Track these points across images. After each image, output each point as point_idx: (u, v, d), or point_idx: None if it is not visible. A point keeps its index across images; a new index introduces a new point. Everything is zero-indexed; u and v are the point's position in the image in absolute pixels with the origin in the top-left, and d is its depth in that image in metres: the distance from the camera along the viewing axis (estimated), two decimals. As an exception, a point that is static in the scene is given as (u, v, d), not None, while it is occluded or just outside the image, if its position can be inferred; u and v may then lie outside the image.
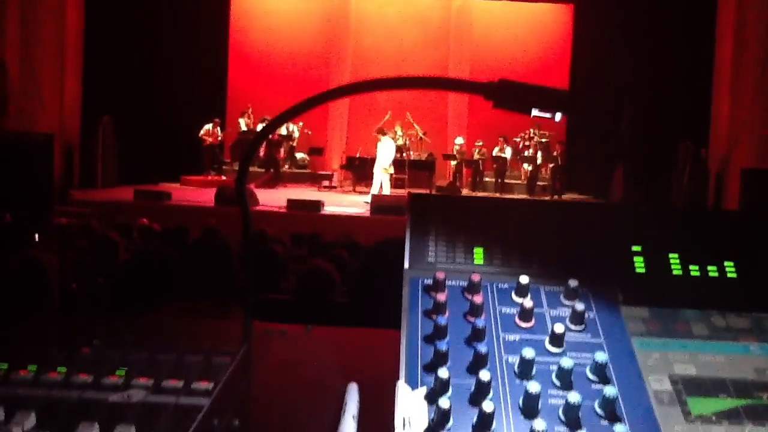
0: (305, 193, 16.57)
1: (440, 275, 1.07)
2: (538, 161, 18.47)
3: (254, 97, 18.95)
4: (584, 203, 1.09)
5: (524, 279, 1.08)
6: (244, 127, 18.45)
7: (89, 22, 16.47)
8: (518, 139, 19.03)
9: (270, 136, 18.00)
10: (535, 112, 0.89)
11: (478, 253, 1.15)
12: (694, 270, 1.14)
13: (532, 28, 20.62)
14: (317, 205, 13.60)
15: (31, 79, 14.03)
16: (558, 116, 0.89)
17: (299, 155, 19.70)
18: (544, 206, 1.25)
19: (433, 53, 20.48)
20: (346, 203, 15.21)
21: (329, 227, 10.65)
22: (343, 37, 20.77)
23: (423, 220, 1.18)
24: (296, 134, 19.41)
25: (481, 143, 18.89)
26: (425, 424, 0.89)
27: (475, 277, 1.07)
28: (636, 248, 1.15)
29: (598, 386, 0.95)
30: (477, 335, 1.00)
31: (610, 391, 0.90)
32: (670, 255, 1.15)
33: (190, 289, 4.06)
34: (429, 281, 1.09)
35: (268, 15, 20.81)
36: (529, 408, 0.91)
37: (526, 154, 18.82)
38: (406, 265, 1.13)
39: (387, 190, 15.49)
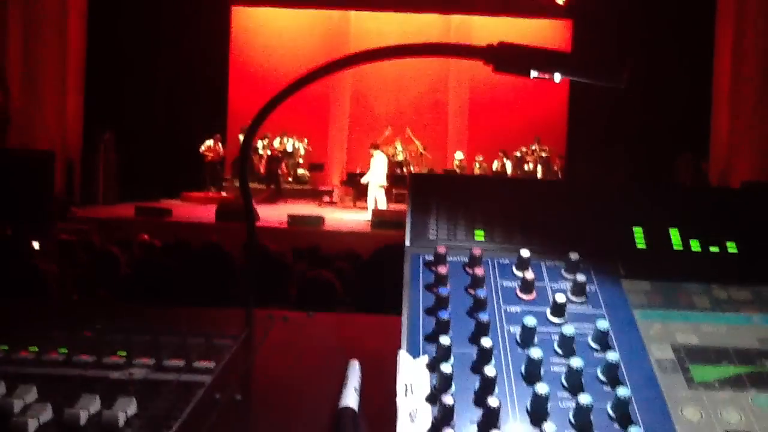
0: (306, 208, 16.58)
1: (441, 249, 1.08)
2: (538, 175, 18.50)
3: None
4: (584, 182, 1.09)
5: (525, 253, 1.08)
6: (244, 144, 18.46)
7: (91, 39, 16.60)
8: (518, 154, 19.08)
9: (271, 152, 18.10)
10: (534, 74, 0.90)
11: (479, 231, 1.15)
12: (695, 245, 1.14)
13: (531, 44, 20.68)
14: (318, 220, 13.62)
15: (32, 96, 14.11)
16: (558, 77, 0.89)
17: (300, 171, 19.76)
18: (545, 185, 1.26)
19: (432, 70, 20.57)
20: (346, 219, 15.22)
21: (330, 242, 10.62)
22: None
23: (424, 198, 1.18)
24: (302, 151, 19.47)
25: (481, 158, 18.96)
26: (427, 391, 0.88)
27: (476, 251, 1.07)
28: (637, 225, 1.16)
29: (600, 354, 0.94)
30: (478, 306, 1.00)
31: (612, 356, 0.90)
32: (671, 231, 1.15)
33: (191, 297, 4.07)
34: (430, 257, 1.10)
35: (268, 32, 20.97)
36: (532, 374, 0.91)
37: (526, 168, 18.87)
38: (407, 242, 1.13)
39: (382, 206, 15.50)
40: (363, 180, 16.11)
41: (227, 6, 20.63)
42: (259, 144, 18.52)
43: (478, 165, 18.96)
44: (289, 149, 18.99)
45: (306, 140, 19.39)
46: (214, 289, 4.46)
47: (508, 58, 0.92)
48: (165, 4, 18.50)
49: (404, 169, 18.02)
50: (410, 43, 0.90)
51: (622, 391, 0.85)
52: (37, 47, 14.38)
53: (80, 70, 16.38)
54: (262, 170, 18.28)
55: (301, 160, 19.61)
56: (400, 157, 18.51)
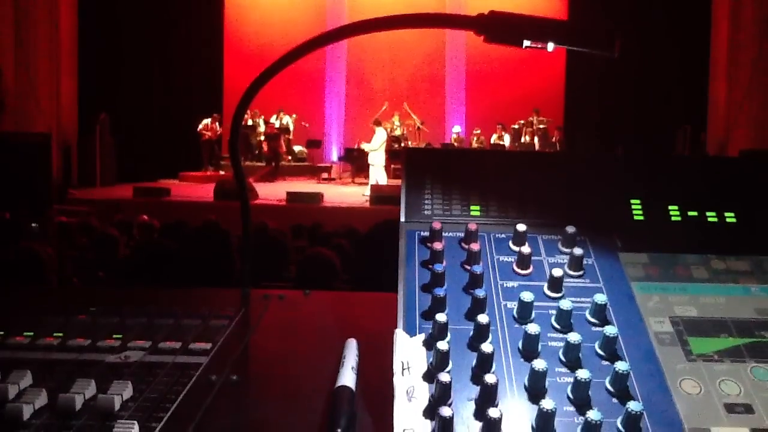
0: (305, 185, 16.54)
1: (436, 225, 1.06)
2: (536, 147, 18.42)
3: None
4: (580, 154, 1.07)
5: (521, 227, 1.06)
6: (240, 122, 18.33)
7: (83, 20, 16.44)
8: (516, 126, 18.99)
9: (269, 131, 18.02)
10: (527, 43, 0.87)
11: (475, 205, 1.14)
12: (693, 216, 1.13)
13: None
14: (317, 197, 13.60)
15: (26, 79, 14.01)
16: (551, 46, 0.87)
17: (297, 148, 19.67)
18: (540, 157, 1.24)
19: (428, 43, 20.41)
20: (345, 194, 15.18)
21: (329, 219, 10.61)
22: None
23: (419, 173, 1.17)
24: (291, 126, 19.35)
25: (479, 131, 18.89)
26: (424, 369, 0.88)
27: (472, 226, 1.06)
28: (634, 196, 1.14)
29: (599, 328, 0.93)
30: (475, 282, 0.99)
31: (610, 330, 0.89)
32: (668, 202, 1.13)
33: (192, 277, 4.07)
34: (425, 233, 1.08)
35: (262, 8, 20.77)
36: (529, 350, 0.90)
37: (523, 140, 18.79)
38: (402, 218, 1.12)
39: (384, 182, 15.44)
40: (370, 160, 15.88)
41: (220, -17, 20.45)
42: (251, 122, 18.40)
43: (476, 138, 18.89)
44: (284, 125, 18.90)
45: (294, 116, 19.23)
46: (215, 268, 4.46)
47: (499, 27, 0.89)
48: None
49: (402, 144, 17.93)
50: (400, 14, 0.88)
51: (621, 366, 0.84)
52: (29, 29, 14.24)
53: (73, 52, 16.25)
54: (265, 148, 18.21)
55: (290, 136, 19.46)
56: (397, 132, 18.43)
